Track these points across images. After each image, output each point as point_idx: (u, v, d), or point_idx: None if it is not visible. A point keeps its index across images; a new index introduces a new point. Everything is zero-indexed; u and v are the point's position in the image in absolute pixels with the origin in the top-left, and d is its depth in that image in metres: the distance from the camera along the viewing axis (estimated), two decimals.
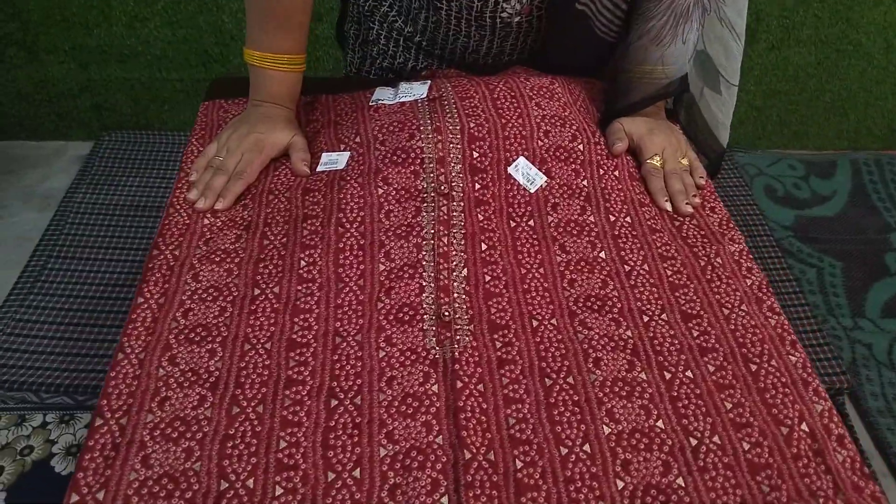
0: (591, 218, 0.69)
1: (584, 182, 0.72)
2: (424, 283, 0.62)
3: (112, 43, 1.82)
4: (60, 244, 1.65)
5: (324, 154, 0.75)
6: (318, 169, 0.74)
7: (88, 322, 1.46)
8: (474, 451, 0.51)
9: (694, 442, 0.53)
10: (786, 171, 1.92)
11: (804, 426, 0.54)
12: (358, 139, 0.75)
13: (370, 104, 0.81)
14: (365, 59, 0.95)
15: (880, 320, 1.45)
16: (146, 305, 0.60)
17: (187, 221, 0.68)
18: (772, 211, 1.84)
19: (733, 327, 0.61)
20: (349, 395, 0.55)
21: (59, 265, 1.60)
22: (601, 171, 0.73)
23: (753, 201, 1.89)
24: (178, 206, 0.70)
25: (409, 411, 0.54)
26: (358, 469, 0.50)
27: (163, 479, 0.49)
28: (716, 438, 0.53)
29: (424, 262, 0.64)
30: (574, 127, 0.75)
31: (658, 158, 0.75)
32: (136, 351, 0.57)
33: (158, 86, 1.91)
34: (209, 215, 0.69)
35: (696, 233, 0.70)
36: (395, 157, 0.71)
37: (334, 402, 0.54)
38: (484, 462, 0.51)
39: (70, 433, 1.30)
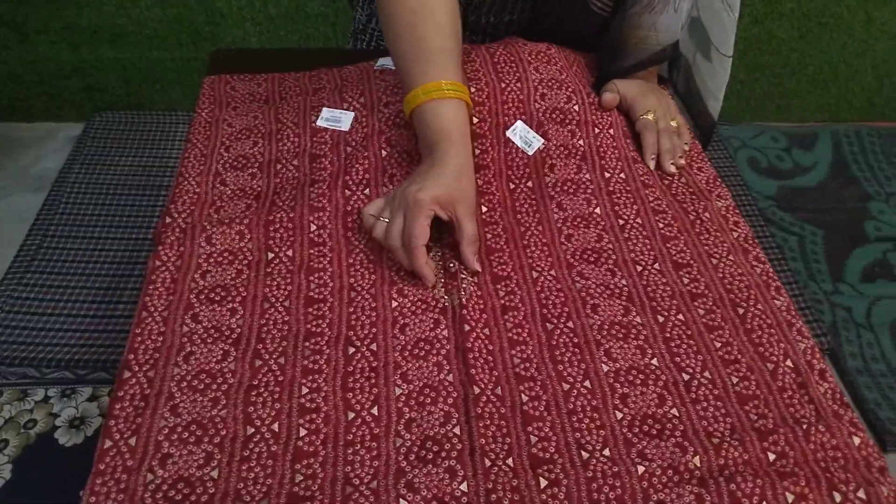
0: (587, 176, 0.73)
1: (581, 142, 0.75)
2: (430, 242, 0.66)
3: (103, 23, 1.82)
4: (55, 223, 1.67)
5: (325, 109, 0.78)
6: (318, 123, 0.76)
7: (86, 299, 1.49)
8: (483, 386, 0.55)
9: (686, 377, 0.57)
10: (769, 144, 1.97)
11: (788, 362, 0.58)
12: (362, 100, 0.78)
13: (375, 68, 0.83)
14: (371, 17, 0.97)
15: (859, 284, 1.51)
16: (164, 268, 0.63)
17: (197, 190, 0.71)
18: (755, 182, 1.88)
19: (721, 275, 0.65)
20: (365, 343, 0.58)
21: (55, 244, 1.61)
22: (596, 130, 0.77)
23: (737, 172, 1.94)
24: (188, 176, 0.72)
25: (422, 354, 0.57)
26: (376, 407, 0.54)
27: (192, 425, 0.52)
28: (706, 374, 0.57)
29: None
30: (570, 89, 0.79)
31: (651, 114, 0.78)
32: (160, 309, 0.60)
33: (149, 65, 1.92)
34: (219, 184, 0.72)
35: (685, 190, 0.74)
36: (398, 120, 0.74)
37: (352, 350, 0.57)
38: (492, 396, 0.55)
39: (72, 406, 1.33)
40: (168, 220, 0.68)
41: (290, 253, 0.64)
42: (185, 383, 0.55)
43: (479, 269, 0.64)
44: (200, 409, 0.53)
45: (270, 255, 0.64)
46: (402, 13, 0.68)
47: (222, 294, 0.61)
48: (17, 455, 1.26)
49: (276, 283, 0.62)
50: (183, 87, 1.96)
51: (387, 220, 0.63)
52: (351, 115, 0.76)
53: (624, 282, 0.64)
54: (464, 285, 0.62)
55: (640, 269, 0.65)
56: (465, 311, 0.60)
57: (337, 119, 0.76)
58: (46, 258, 1.58)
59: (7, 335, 1.40)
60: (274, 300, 0.61)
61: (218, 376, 0.55)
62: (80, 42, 1.85)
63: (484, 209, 0.70)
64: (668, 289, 0.63)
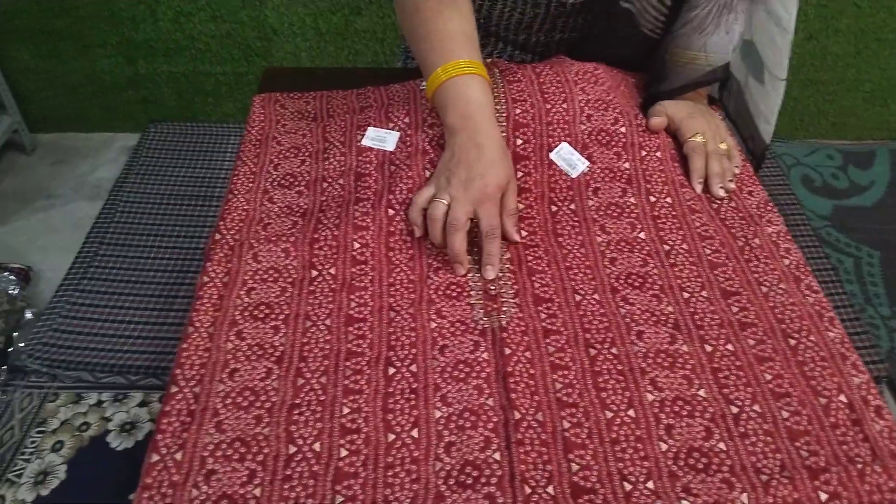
0: (632, 199, 0.72)
1: (626, 164, 0.75)
2: (470, 265, 0.66)
3: (158, 37, 1.88)
4: (111, 231, 1.72)
5: (370, 129, 0.79)
6: (364, 143, 0.77)
7: (139, 306, 1.53)
8: (524, 411, 0.55)
9: (735, 410, 0.55)
10: (823, 161, 1.91)
11: (842, 397, 0.56)
12: (407, 119, 0.78)
13: (421, 87, 0.84)
14: None
15: None
16: (211, 284, 0.64)
17: (246, 207, 0.72)
18: (809, 201, 1.83)
19: (772, 304, 0.63)
20: (405, 364, 0.58)
21: (110, 252, 1.67)
22: (643, 153, 0.76)
23: (790, 191, 1.89)
24: (237, 193, 0.74)
25: (462, 376, 0.57)
26: (416, 430, 0.54)
27: (235, 442, 0.53)
28: (756, 407, 0.56)
29: (476, 249, 0.67)
30: (617, 110, 0.78)
31: (700, 136, 0.77)
32: (206, 325, 0.61)
33: (202, 79, 1.97)
34: (267, 201, 0.73)
35: (733, 214, 0.72)
36: (443, 141, 0.74)
37: (392, 370, 0.58)
38: (533, 422, 0.54)
39: (124, 411, 1.36)
40: (217, 236, 0.69)
41: (332, 271, 0.65)
42: (229, 400, 0.56)
43: (519, 239, 0.68)
44: (244, 426, 0.54)
45: (314, 273, 0.65)
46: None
47: (266, 311, 0.62)
48: (71, 457, 1.30)
49: (318, 301, 0.63)
50: (234, 101, 2.00)
51: (445, 201, 0.66)
52: (396, 134, 0.77)
53: (670, 308, 0.63)
54: (504, 308, 0.62)
55: (686, 295, 0.64)
56: (505, 335, 0.60)
57: (382, 139, 0.77)
58: (102, 265, 1.63)
59: (63, 340, 1.45)
60: (316, 318, 0.61)
61: (261, 394, 0.56)
62: (137, 56, 1.91)
63: (525, 232, 0.69)
64: (717, 317, 0.62)
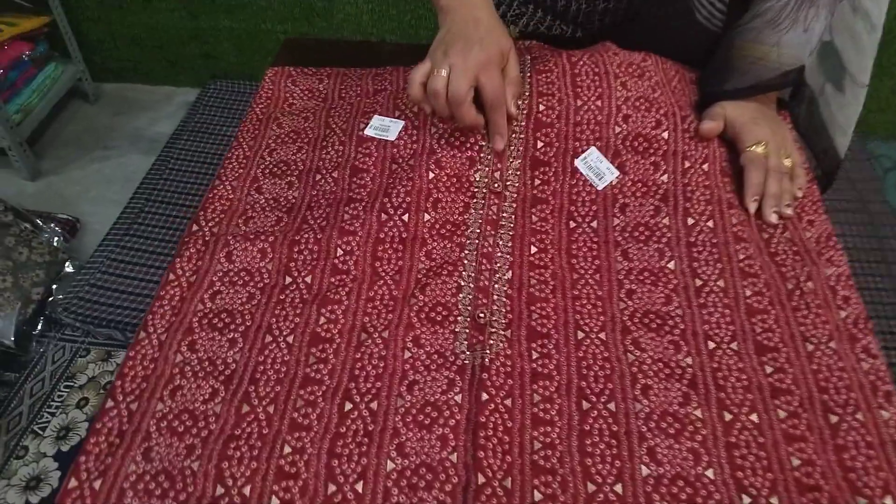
0: (665, 221, 0.61)
1: (664, 177, 0.64)
2: (462, 283, 0.57)
3: None
4: (159, 189, 1.71)
5: (375, 117, 0.70)
6: (367, 132, 0.69)
7: None
8: (490, 475, 0.47)
9: (747, 500, 0.46)
10: None
11: (888, 500, 0.45)
12: (416, 108, 0.70)
13: None
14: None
15: None
16: (176, 283, 0.59)
17: (231, 196, 0.66)
18: None
19: (816, 367, 0.52)
20: (365, 400, 0.51)
21: (156, 209, 1.66)
22: (686, 164, 0.64)
23: (884, 198, 1.69)
24: (225, 179, 0.68)
25: (426, 422, 0.49)
26: (361, 482, 0.47)
27: (160, 475, 0.48)
28: (774, 500, 0.46)
29: (465, 262, 0.59)
30: (661, 111, 0.67)
31: (762, 147, 0.65)
32: (159, 331, 0.55)
33: (262, 36, 1.93)
34: (254, 191, 0.67)
35: (786, 248, 0.61)
36: (453, 139, 0.66)
37: (348, 406, 0.51)
38: (499, 489, 0.46)
39: None
40: (195, 227, 0.63)
41: (308, 279, 0.58)
42: (164, 423, 0.50)
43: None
44: (174, 456, 0.48)
45: (287, 280, 0.58)
46: None
47: (226, 320, 0.56)
48: (93, 414, 1.31)
49: (284, 313, 0.56)
50: None
51: (444, 72, 0.61)
52: (400, 123, 0.69)
53: (689, 361, 0.53)
54: (492, 341, 0.54)
55: (711, 346, 0.54)
56: (485, 375, 0.51)
57: (385, 128, 0.69)
58: (147, 223, 1.62)
59: (100, 296, 1.46)
60: (277, 333, 0.55)
61: (200, 419, 0.50)
62: (199, 11, 1.89)
63: (534, 249, 0.60)
64: (745, 377, 0.52)
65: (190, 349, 0.54)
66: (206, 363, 0.53)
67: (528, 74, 0.70)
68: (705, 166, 0.65)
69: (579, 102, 0.67)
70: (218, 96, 2.00)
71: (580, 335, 0.54)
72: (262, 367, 0.53)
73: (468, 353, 0.53)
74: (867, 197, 1.69)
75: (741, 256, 0.59)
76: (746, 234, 0.61)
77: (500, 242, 0.60)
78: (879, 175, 1.70)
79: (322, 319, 0.56)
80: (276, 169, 0.68)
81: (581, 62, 0.70)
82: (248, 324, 0.56)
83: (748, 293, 0.57)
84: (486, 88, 0.62)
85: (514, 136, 0.67)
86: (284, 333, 0.55)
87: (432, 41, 0.64)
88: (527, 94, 0.68)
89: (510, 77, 0.65)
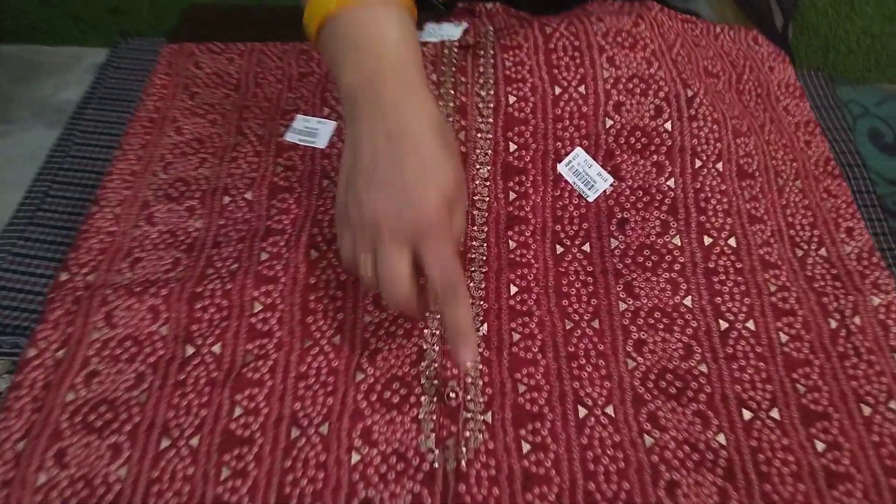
0: (676, 240, 0.49)
1: (671, 182, 0.51)
2: (426, 346, 0.44)
3: None
4: (65, 168, 1.51)
5: (298, 117, 0.55)
6: (288, 137, 0.53)
7: None
8: None
9: None
10: None
11: None
12: None
13: None
14: None
15: None
16: (38, 363, 0.44)
17: (113, 229, 0.51)
18: (876, 160, 1.54)
19: (877, 439, 0.41)
20: None
21: (63, 192, 1.45)
22: (697, 164, 0.51)
23: (854, 148, 1.61)
24: (105, 204, 0.52)
25: None
26: None
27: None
28: None
29: (428, 314, 0.45)
30: (660, 94, 0.53)
31: None
32: (15, 436, 0.41)
33: None
34: (144, 221, 0.51)
35: (823, 270, 0.49)
36: None
37: None
38: None
39: None
40: (64, 276, 0.48)
41: (217, 349, 0.44)
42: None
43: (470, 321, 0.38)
44: None
45: (189, 351, 0.44)
46: None
47: (106, 418, 0.41)
48: None
49: (185, 402, 0.42)
50: None
51: (369, 256, 0.39)
52: (331, 125, 0.53)
53: (721, 439, 0.41)
54: (469, 431, 0.41)
55: (748, 416, 0.42)
56: (463, 487, 0.39)
57: (312, 131, 0.53)
58: (52, 209, 1.42)
59: (2, 298, 1.28)
60: (177, 435, 0.41)
61: None
62: None
63: (514, 289, 0.47)
64: (792, 459, 0.40)
65: (58, 463, 0.40)
66: (81, 484, 0.39)
67: (492, 53, 0.55)
68: (719, 165, 0.51)
69: (558, 90, 0.53)
70: (131, 57, 1.77)
71: (582, 412, 0.42)
72: (155, 488, 0.39)
73: (437, 452, 0.40)
74: (837, 147, 1.61)
75: (773, 287, 0.47)
76: (776, 255, 0.49)
77: (471, 283, 0.47)
78: (849, 123, 1.62)
79: (237, 410, 0.41)
80: (172, 190, 0.52)
81: (557, 34, 0.55)
82: (135, 420, 0.41)
83: (785, 337, 0.45)
84: (431, 270, 0.38)
85: (480, 136, 0.52)
86: (185, 434, 0.41)
87: None
88: (491, 80, 0.54)
89: (455, 230, 0.40)
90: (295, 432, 0.41)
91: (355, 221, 0.38)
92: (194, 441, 0.40)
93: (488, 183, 0.51)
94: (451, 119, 0.53)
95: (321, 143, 0.52)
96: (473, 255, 0.48)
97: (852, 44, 1.75)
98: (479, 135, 0.52)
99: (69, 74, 1.81)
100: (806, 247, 0.50)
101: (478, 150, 0.52)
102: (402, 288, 0.38)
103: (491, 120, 0.52)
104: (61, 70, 1.82)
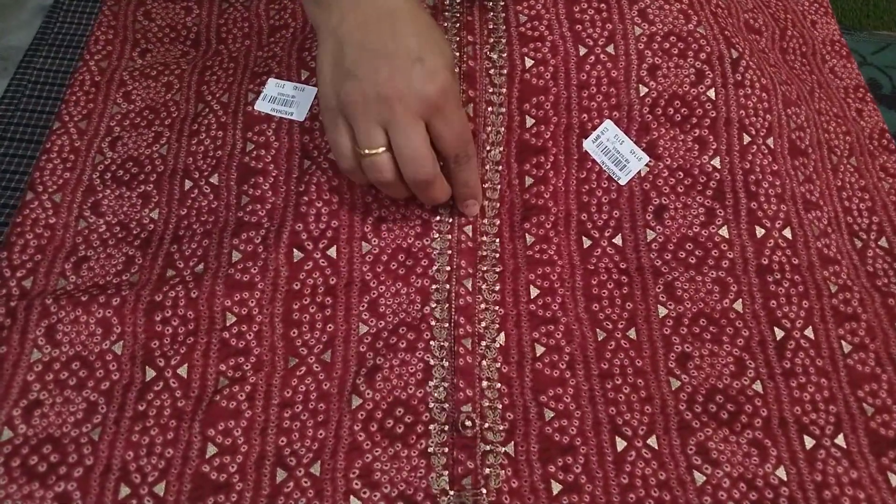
0: (724, 231, 0.42)
1: (716, 161, 0.43)
2: (433, 361, 0.37)
3: None
4: (16, 123, 1.39)
5: (271, 81, 0.45)
6: (258, 107, 0.44)
7: None
8: None
9: None
10: None
11: None
12: None
13: None
14: None
15: None
16: None
17: (52, 222, 0.43)
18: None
19: None
20: None
21: (14, 150, 1.35)
22: (746, 139, 0.44)
23: None
24: (43, 188, 0.44)
25: None
26: None
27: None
28: None
29: (434, 323, 0.38)
30: (702, 54, 0.45)
31: None
32: None
33: None
34: (89, 210, 0.43)
35: (886, 265, 0.43)
36: None
37: None
38: None
39: None
40: None
41: (182, 371, 0.36)
42: None
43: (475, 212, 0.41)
44: None
45: (150, 375, 0.36)
46: None
47: (53, 459, 0.34)
48: None
49: (147, 439, 0.35)
50: None
51: (378, 149, 0.36)
52: (311, 92, 0.44)
53: (781, 474, 0.35)
54: (487, 468, 0.34)
55: (810, 444, 0.36)
56: None
57: (288, 99, 0.44)
58: (3, 169, 1.32)
59: None
60: (138, 482, 0.34)
61: None
62: None
63: (535, 292, 0.40)
64: (863, 497, 0.34)
65: None
66: None
67: (502, 4, 0.46)
68: (770, 141, 0.44)
69: (583, 50, 0.45)
70: None
71: (620, 444, 0.35)
72: None
73: (452, 494, 0.34)
74: None
75: (832, 287, 0.40)
76: (835, 248, 0.42)
77: (484, 285, 0.40)
78: None
79: (211, 448, 0.34)
80: (122, 171, 0.44)
81: None
82: (87, 463, 0.34)
83: (847, 347, 0.39)
84: (443, 140, 0.37)
85: (490, 111, 0.44)
86: (150, 480, 0.34)
87: None
88: (504, 40, 0.45)
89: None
90: (281, 474, 0.34)
91: (357, 105, 0.35)
92: (159, 488, 0.33)
93: (500, 167, 0.43)
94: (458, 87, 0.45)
95: (299, 114, 0.43)
96: (485, 253, 0.40)
97: None
98: (489, 109, 0.44)
99: (13, 17, 1.66)
100: (865, 236, 0.44)
101: (488, 128, 0.44)
102: (428, 160, 0.36)
103: (504, 90, 0.44)
104: (4, 11, 1.67)
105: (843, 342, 0.39)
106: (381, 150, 0.35)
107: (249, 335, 0.37)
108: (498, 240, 0.41)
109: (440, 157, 0.37)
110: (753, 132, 0.44)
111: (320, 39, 0.37)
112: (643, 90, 0.44)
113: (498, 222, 0.41)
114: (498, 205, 0.42)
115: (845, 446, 0.36)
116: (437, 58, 0.36)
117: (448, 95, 0.36)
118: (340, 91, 0.35)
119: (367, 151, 0.36)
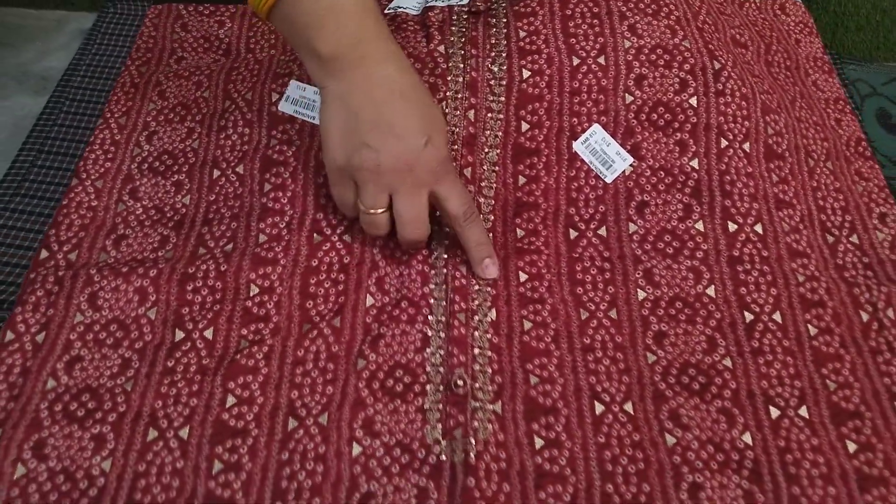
0: (699, 225, 0.46)
1: (694, 163, 0.47)
2: (430, 332, 0.41)
3: None
4: (53, 137, 1.46)
5: (293, 83, 0.51)
6: (280, 107, 0.50)
7: None
8: None
9: None
10: None
11: None
12: None
13: (385, 13, 0.56)
14: None
15: None
16: (17, 346, 0.41)
17: (94, 204, 0.48)
18: (884, 142, 1.52)
19: None
20: None
21: (50, 163, 1.41)
22: (723, 143, 0.48)
23: (862, 128, 1.58)
24: (86, 176, 0.49)
25: None
26: None
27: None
28: None
29: (433, 300, 0.42)
30: (686, 66, 0.49)
31: None
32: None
33: None
34: (128, 195, 0.48)
35: (856, 259, 0.46)
36: None
37: None
38: None
39: None
40: (44, 254, 0.45)
41: (209, 334, 0.41)
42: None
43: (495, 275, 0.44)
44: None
45: (179, 336, 0.41)
46: None
47: (90, 406, 0.38)
48: None
49: (174, 391, 0.39)
50: None
51: (378, 209, 0.41)
52: None
53: (748, 439, 0.38)
54: (476, 422, 0.38)
55: (776, 414, 0.39)
56: (471, 480, 0.36)
57: (309, 102, 0.49)
58: (40, 179, 1.38)
59: None
60: (165, 426, 0.38)
61: None
62: None
63: (523, 276, 0.44)
64: (822, 461, 0.38)
65: (36, 455, 0.37)
66: (62, 478, 0.36)
67: (504, 21, 0.51)
68: (746, 146, 0.48)
69: (576, 61, 0.49)
70: (120, 22, 1.72)
71: (599, 409, 0.39)
72: (142, 483, 0.36)
73: (444, 443, 0.37)
74: None
75: (800, 277, 0.44)
76: (805, 242, 0.46)
77: None
78: (857, 102, 1.59)
79: (230, 399, 0.39)
80: (157, 162, 0.49)
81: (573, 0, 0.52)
82: (120, 410, 0.38)
83: (813, 331, 0.42)
84: (449, 203, 0.41)
85: (489, 117, 0.49)
86: (175, 424, 0.38)
87: None
88: (504, 54, 0.50)
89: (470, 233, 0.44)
90: (292, 423, 0.38)
91: (370, 172, 0.40)
92: (184, 432, 0.38)
93: (497, 168, 0.47)
94: (459, 96, 0.50)
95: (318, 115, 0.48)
96: None
97: (862, 20, 1.71)
98: (489, 115, 0.49)
99: (53, 40, 1.75)
100: (837, 233, 0.47)
101: (487, 132, 0.48)
102: (425, 223, 0.42)
103: (503, 98, 0.49)
104: (44, 35, 1.76)
105: (810, 326, 0.42)
106: (382, 210, 0.41)
107: (270, 304, 0.42)
108: (490, 234, 0.45)
109: (448, 219, 0.42)
110: (731, 137, 0.48)
111: (325, 99, 0.40)
112: (629, 98, 0.49)
113: (492, 218, 0.46)
114: (493, 202, 0.46)
115: (808, 417, 0.39)
116: (440, 136, 0.41)
117: (449, 166, 0.42)
118: (354, 156, 0.39)
119: (371, 211, 0.41)
